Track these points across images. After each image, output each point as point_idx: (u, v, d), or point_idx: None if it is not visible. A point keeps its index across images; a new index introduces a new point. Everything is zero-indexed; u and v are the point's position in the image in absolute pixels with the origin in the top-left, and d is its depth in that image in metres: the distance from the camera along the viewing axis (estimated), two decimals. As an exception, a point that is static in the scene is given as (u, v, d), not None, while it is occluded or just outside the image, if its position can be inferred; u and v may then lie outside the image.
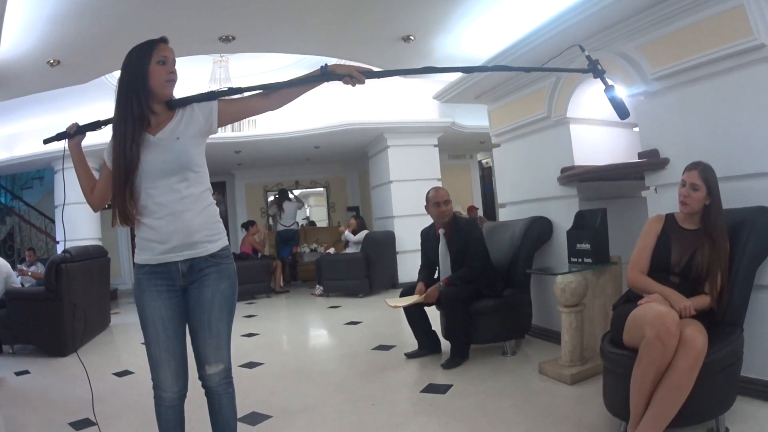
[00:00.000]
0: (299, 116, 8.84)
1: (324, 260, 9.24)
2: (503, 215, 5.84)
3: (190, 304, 2.28)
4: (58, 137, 2.36)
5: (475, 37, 5.05)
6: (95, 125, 2.37)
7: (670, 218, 2.96)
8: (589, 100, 4.47)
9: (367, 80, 2.24)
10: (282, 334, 6.35)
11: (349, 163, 11.78)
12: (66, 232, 8.46)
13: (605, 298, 3.95)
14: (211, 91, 2.29)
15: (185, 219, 2.19)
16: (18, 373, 4.97)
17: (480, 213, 12.34)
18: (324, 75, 2.22)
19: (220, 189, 12.01)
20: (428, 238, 4.90)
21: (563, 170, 4.57)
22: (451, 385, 3.91)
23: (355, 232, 9.08)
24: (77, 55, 4.88)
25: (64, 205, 6.26)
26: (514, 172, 5.52)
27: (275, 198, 11.31)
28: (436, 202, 4.63)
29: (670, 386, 2.35)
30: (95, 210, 2.42)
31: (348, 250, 9.10)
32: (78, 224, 8.72)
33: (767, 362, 3.04)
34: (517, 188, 5.48)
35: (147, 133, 2.17)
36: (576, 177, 4.39)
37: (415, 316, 4.68)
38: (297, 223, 10.90)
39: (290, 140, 9.30)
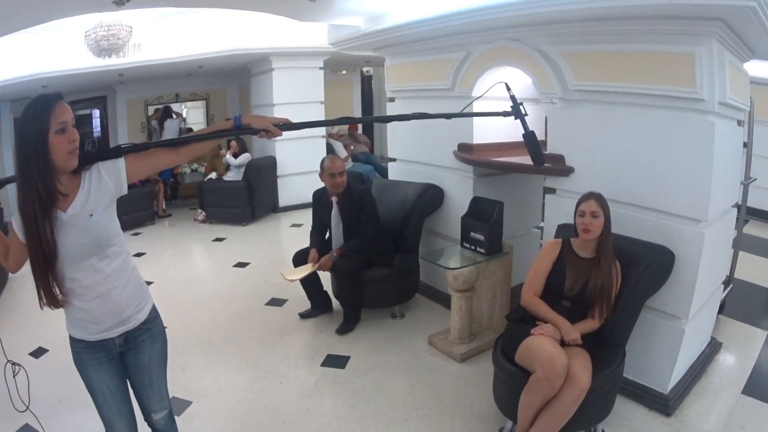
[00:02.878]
0: (184, 40, 8.51)
1: (206, 187, 9.24)
2: (393, 170, 6.09)
3: (129, 367, 2.41)
4: None
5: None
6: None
7: (566, 244, 3.24)
8: (498, 80, 4.52)
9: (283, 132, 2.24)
10: (174, 283, 6.42)
11: (230, 76, 11.53)
12: None
13: (494, 281, 4.45)
14: (117, 146, 2.17)
15: (113, 298, 2.22)
16: None
17: (360, 130, 12.55)
18: (237, 128, 2.21)
19: (100, 103, 11.44)
20: (320, 202, 5.05)
21: (460, 147, 4.81)
22: (348, 357, 4.37)
23: (236, 155, 9.09)
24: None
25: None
26: (408, 132, 5.65)
27: (156, 113, 11.07)
28: (331, 173, 4.75)
29: (554, 414, 2.80)
30: (13, 273, 2.31)
31: (229, 174, 9.10)
32: None
33: (643, 368, 3.49)
34: (411, 149, 5.69)
35: (57, 210, 2.04)
36: (472, 162, 4.67)
37: (308, 279, 4.94)
38: None
39: (175, 64, 9.00)
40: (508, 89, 2.98)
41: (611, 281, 3.03)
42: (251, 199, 9.01)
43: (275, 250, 7.74)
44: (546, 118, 4.02)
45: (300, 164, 9.50)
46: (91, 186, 2.10)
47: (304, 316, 5.16)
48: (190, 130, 12.39)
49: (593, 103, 3.59)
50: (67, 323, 2.30)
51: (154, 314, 2.45)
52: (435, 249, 5.13)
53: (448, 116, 2.90)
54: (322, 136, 9.99)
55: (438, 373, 4.08)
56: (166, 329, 4.03)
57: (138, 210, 9.15)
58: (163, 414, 2.55)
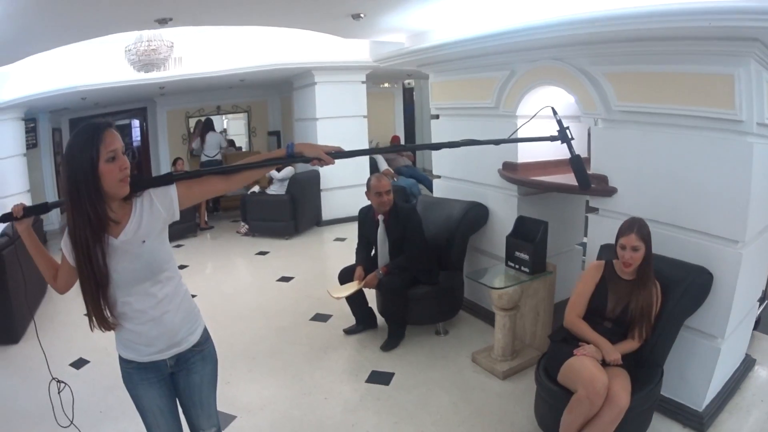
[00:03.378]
0: (226, 54, 8.76)
1: (249, 200, 9.44)
2: (437, 186, 6.18)
3: (179, 386, 2.47)
4: (3, 219, 2.25)
5: (423, 14, 5.03)
6: (43, 208, 2.30)
7: (609, 267, 3.31)
8: (542, 99, 4.47)
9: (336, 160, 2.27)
10: (217, 296, 6.62)
11: (271, 87, 11.76)
12: None
13: (537, 300, 4.51)
14: (169, 174, 2.23)
15: (166, 322, 2.28)
16: None
17: (402, 141, 12.69)
18: (290, 156, 2.24)
19: (141, 114, 11.77)
20: (366, 219, 5.16)
21: (505, 165, 4.88)
22: (393, 374, 4.46)
23: (279, 169, 9.26)
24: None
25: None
26: (453, 150, 5.57)
27: (198, 128, 11.36)
28: (377, 192, 4.83)
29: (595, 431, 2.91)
30: (61, 294, 2.37)
31: (273, 187, 9.26)
32: (6, 179, 8.42)
33: (679, 385, 3.52)
34: (455, 166, 5.77)
35: (109, 236, 2.08)
36: (517, 182, 4.75)
37: (353, 295, 5.05)
38: (220, 153, 10.97)
39: (216, 77, 9.25)
40: (555, 113, 3.02)
41: (651, 304, 3.12)
42: (295, 212, 9.18)
43: (319, 264, 7.90)
44: (588, 133, 4.05)
45: (343, 178, 9.60)
46: (143, 213, 2.15)
47: (348, 332, 5.28)
48: (231, 142, 12.67)
49: (636, 123, 3.64)
50: (117, 344, 2.37)
51: (205, 336, 2.53)
52: (480, 267, 5.21)
53: (496, 142, 2.98)
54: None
55: (480, 390, 4.16)
56: None
57: (180, 222, 9.21)
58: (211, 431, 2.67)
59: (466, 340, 5.00)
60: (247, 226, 9.56)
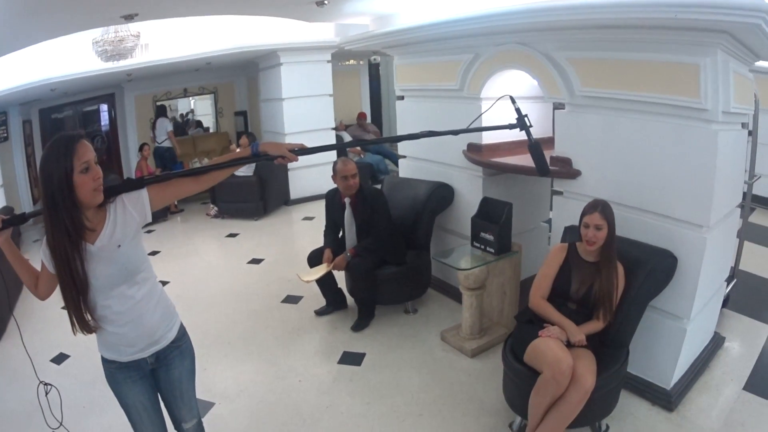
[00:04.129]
0: (191, 39, 8.64)
1: (217, 184, 9.32)
2: (403, 166, 6.21)
3: (160, 382, 2.55)
4: None
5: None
6: (22, 219, 2.32)
7: (572, 249, 3.37)
8: (506, 82, 4.61)
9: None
10: (190, 281, 6.62)
11: (238, 69, 11.64)
12: None
13: (504, 279, 4.59)
14: (140, 178, 2.28)
15: (145, 322, 2.35)
16: None
17: (368, 119, 12.67)
18: (255, 155, 2.31)
19: (109, 100, 11.57)
20: (333, 203, 5.20)
21: (470, 147, 4.92)
22: (364, 354, 4.54)
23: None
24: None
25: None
26: (418, 130, 5.69)
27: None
28: (343, 175, 4.86)
29: (561, 412, 2.97)
30: (42, 300, 2.41)
31: (241, 169, 9.17)
32: None
33: (647, 364, 3.61)
34: (421, 147, 5.67)
35: (86, 243, 2.14)
36: (480, 163, 4.79)
37: (324, 276, 5.08)
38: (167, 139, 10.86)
39: (183, 62, 9.14)
40: (513, 101, 3.09)
41: (614, 285, 3.18)
42: (263, 193, 9.16)
43: (289, 245, 7.93)
44: (554, 114, 4.09)
45: (310, 157, 9.23)
46: (117, 218, 2.21)
47: (319, 313, 5.34)
48: (199, 122, 12.54)
49: (600, 109, 3.67)
50: (99, 346, 2.43)
51: (182, 332, 2.60)
52: (446, 247, 5.28)
53: (455, 133, 3.03)
54: (331, 128, 10.07)
55: (450, 368, 4.24)
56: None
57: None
58: (193, 423, 2.74)
59: (435, 319, 5.09)
60: (216, 209, 9.51)
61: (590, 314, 3.26)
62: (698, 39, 3.03)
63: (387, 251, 5.00)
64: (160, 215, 9.57)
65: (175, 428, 2.74)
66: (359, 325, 4.99)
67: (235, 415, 3.86)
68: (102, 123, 11.95)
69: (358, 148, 10.79)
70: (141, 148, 10.05)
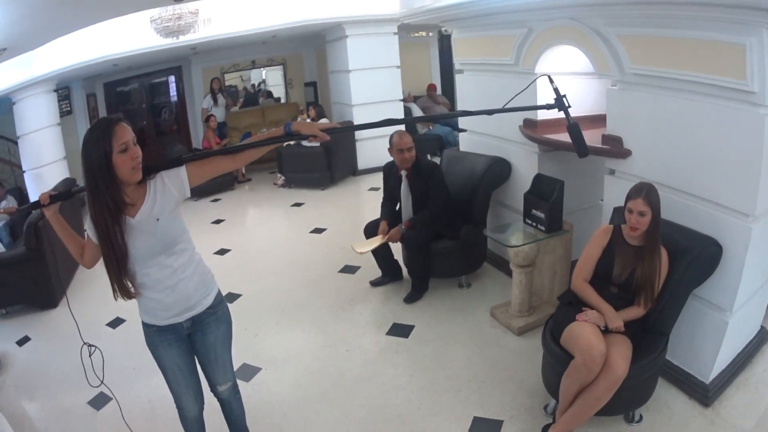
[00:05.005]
0: (255, 13, 8.71)
1: (285, 152, 9.49)
2: (463, 140, 6.13)
3: (196, 345, 2.71)
4: (32, 207, 2.53)
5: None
6: (67, 195, 2.54)
7: (617, 231, 3.22)
8: (561, 57, 4.46)
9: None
10: (251, 249, 6.77)
11: (306, 40, 11.67)
12: (32, 161, 8.56)
13: (555, 258, 4.49)
14: (179, 157, 2.41)
15: (181, 289, 2.48)
16: (19, 343, 5.13)
17: (438, 91, 12.51)
18: (288, 134, 2.37)
19: (176, 73, 11.82)
20: (390, 175, 5.20)
21: (525, 122, 4.78)
22: (413, 327, 4.55)
23: (314, 121, 9.30)
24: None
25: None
26: (477, 105, 5.56)
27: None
28: (399, 149, 4.85)
29: (590, 398, 2.89)
30: (88, 269, 2.64)
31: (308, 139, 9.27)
32: (42, 150, 8.66)
33: (688, 354, 3.42)
34: (480, 121, 5.65)
35: (127, 216, 2.27)
36: (534, 139, 4.67)
37: (379, 248, 5.12)
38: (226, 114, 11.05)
39: (247, 36, 9.23)
40: (551, 81, 2.98)
41: (657, 271, 3.02)
42: (330, 163, 9.23)
43: (352, 215, 7.96)
44: (607, 92, 3.93)
45: (378, 129, 9.47)
46: (156, 194, 2.33)
47: (374, 284, 5.38)
48: (269, 93, 12.67)
49: (649, 87, 3.45)
50: (140, 310, 2.60)
51: (219, 299, 2.72)
52: (503, 222, 5.20)
53: (489, 112, 2.97)
54: (399, 100, 10.03)
55: (495, 345, 4.19)
56: (241, 297, 4.33)
57: (216, 177, 9.37)
58: (227, 386, 2.89)
59: (487, 294, 5.02)
60: (283, 178, 9.65)
61: (632, 299, 3.13)
62: (744, 17, 2.78)
63: (442, 225, 4.97)
64: (228, 184, 9.84)
65: (211, 390, 2.90)
66: (411, 298, 4.99)
67: (279, 381, 3.96)
68: (171, 94, 12.27)
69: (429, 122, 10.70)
70: (207, 120, 10.22)
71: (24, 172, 8.94)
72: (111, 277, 2.35)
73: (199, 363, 2.79)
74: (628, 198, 3.07)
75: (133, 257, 2.35)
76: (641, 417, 3.22)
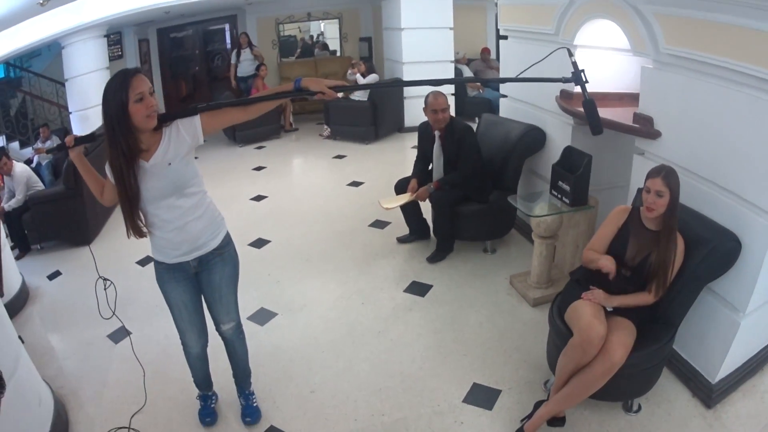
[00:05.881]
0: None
1: (332, 105, 9.43)
2: (503, 106, 5.99)
3: (202, 284, 2.81)
4: (59, 149, 2.64)
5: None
6: (91, 137, 2.72)
7: (634, 213, 3.07)
8: (601, 31, 4.25)
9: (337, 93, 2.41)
10: (287, 197, 6.83)
11: (363, -5, 11.53)
12: (79, 103, 8.71)
13: (578, 232, 4.37)
14: (194, 106, 2.47)
15: (189, 229, 2.58)
16: (50, 277, 5.33)
17: (492, 55, 12.23)
18: (297, 90, 2.38)
19: (231, 21, 11.79)
20: (424, 134, 5.13)
21: (562, 93, 4.62)
22: (431, 286, 4.52)
23: (364, 75, 9.23)
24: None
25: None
26: (517, 72, 5.45)
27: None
28: (433, 109, 4.77)
29: (582, 381, 2.78)
30: (107, 206, 2.75)
31: (356, 93, 9.20)
32: (89, 93, 8.70)
33: (698, 350, 3.24)
34: (520, 88, 5.53)
35: (141, 160, 2.39)
36: (567, 111, 4.51)
37: (408, 206, 5.13)
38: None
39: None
40: (570, 54, 2.85)
41: (670, 259, 2.85)
42: (375, 118, 9.13)
43: (392, 171, 7.82)
44: (641, 70, 3.75)
45: (427, 87, 9.33)
46: (170, 140, 2.42)
47: (401, 240, 5.37)
48: (325, 45, 12.57)
49: (682, 69, 3.25)
50: (152, 248, 2.72)
51: (226, 241, 2.80)
52: (531, 192, 5.06)
53: (502, 81, 2.91)
54: (450, 61, 9.79)
55: (509, 314, 4.13)
56: (270, 243, 4.18)
57: (264, 124, 9.53)
58: (231, 325, 2.97)
59: (510, 261, 4.94)
60: (329, 130, 9.61)
61: (644, 285, 2.96)
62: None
63: (470, 188, 4.89)
64: (274, 132, 9.88)
65: (216, 329, 2.99)
66: (435, 257, 4.96)
67: (292, 328, 4.02)
68: (226, 42, 12.29)
69: (478, 83, 10.48)
70: (258, 68, 10.15)
71: (70, 113, 9.12)
72: (125, 216, 2.46)
73: (205, 302, 2.89)
74: (648, 177, 2.92)
75: (145, 198, 2.46)
76: (640, 407, 3.11)
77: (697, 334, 3.23)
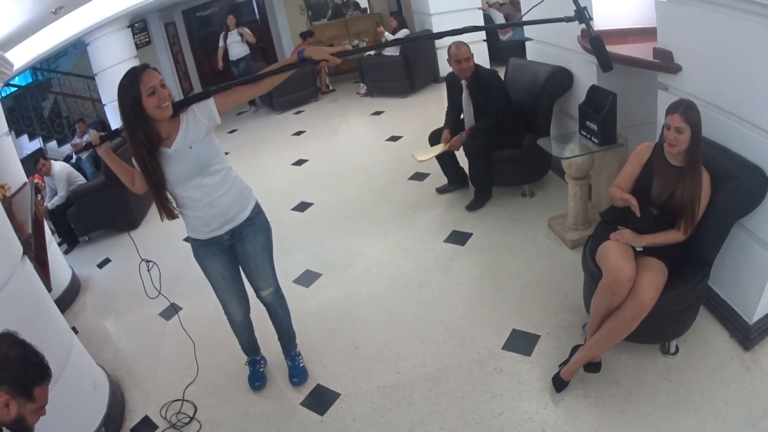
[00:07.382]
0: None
1: (365, 62, 9.29)
2: (530, 49, 5.80)
3: (237, 255, 2.88)
4: (87, 147, 2.73)
5: None
6: (115, 134, 2.82)
7: (658, 149, 2.93)
8: None
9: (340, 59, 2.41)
10: (327, 158, 6.83)
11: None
12: (111, 94, 8.50)
13: (611, 171, 4.22)
14: (207, 90, 2.54)
15: (218, 205, 2.64)
16: (100, 265, 5.46)
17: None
18: (301, 61, 2.41)
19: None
20: (452, 85, 5.00)
21: (582, 32, 4.43)
22: (471, 235, 4.48)
23: (394, 32, 9.05)
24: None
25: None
26: (539, 14, 5.25)
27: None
28: (456, 59, 4.65)
29: (615, 324, 2.71)
30: (139, 194, 2.80)
31: (388, 49, 9.03)
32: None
33: (735, 289, 3.08)
34: (544, 29, 5.26)
35: (163, 148, 2.46)
36: (587, 50, 4.31)
37: (444, 156, 5.07)
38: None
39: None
40: (572, -7, 2.72)
41: (696, 195, 2.72)
42: (409, 71, 8.94)
43: (430, 122, 7.61)
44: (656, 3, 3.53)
45: (458, 36, 9.10)
46: (188, 125, 2.48)
47: (441, 191, 5.32)
48: (356, 4, 12.31)
49: (697, 1, 3.01)
50: (186, 227, 2.81)
51: (256, 211, 2.84)
52: (563, 133, 4.91)
53: (501, 26, 2.79)
54: (479, 8, 9.49)
55: (548, 257, 4.04)
56: (312, 205, 4.82)
57: (298, 90, 9.45)
58: (269, 291, 3.06)
59: (549, 204, 4.80)
60: (365, 87, 9.49)
61: (673, 222, 2.84)
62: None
63: (502, 133, 4.77)
64: (311, 96, 9.78)
65: (256, 295, 3.09)
66: (473, 206, 4.91)
67: (336, 287, 4.07)
68: (255, 13, 12.15)
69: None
70: (305, 37, 9.94)
71: (104, 105, 9.18)
72: (155, 201, 2.57)
73: (243, 271, 2.97)
74: (667, 113, 2.77)
75: (171, 182, 2.54)
76: (677, 349, 2.99)
77: (733, 272, 3.07)
